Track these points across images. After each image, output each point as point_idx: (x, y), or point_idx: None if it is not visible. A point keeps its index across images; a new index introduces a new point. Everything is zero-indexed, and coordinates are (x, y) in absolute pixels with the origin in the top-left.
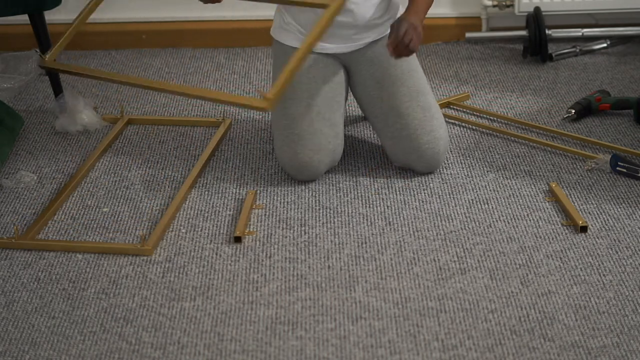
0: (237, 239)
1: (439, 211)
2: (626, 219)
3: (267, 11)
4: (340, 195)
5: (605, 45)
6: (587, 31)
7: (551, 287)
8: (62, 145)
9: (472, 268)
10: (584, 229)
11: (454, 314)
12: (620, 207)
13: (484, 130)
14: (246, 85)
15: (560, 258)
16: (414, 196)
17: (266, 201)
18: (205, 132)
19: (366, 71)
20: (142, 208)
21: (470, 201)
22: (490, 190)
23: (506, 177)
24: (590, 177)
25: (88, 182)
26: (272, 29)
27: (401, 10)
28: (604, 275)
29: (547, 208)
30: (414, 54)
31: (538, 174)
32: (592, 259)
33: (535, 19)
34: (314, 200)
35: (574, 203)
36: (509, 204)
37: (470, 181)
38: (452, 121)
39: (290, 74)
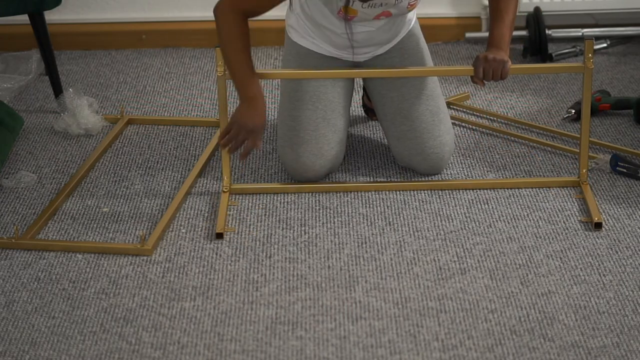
0: (219, 235)
1: (439, 211)
2: (626, 219)
3: (268, 12)
4: (340, 195)
5: (605, 45)
6: (587, 31)
7: (551, 287)
8: (62, 145)
9: (472, 268)
10: (598, 225)
11: (454, 314)
12: (620, 207)
13: (484, 130)
14: None
15: (560, 258)
16: (414, 196)
17: (266, 201)
18: (205, 132)
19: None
20: (142, 208)
21: (470, 201)
22: (490, 190)
23: (506, 177)
24: (590, 177)
25: (88, 182)
26: (287, 28)
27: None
28: (604, 275)
29: (547, 208)
30: (429, 55)
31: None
32: (592, 259)
33: (535, 19)
34: (314, 200)
35: (574, 203)
36: (509, 204)
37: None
38: (452, 121)
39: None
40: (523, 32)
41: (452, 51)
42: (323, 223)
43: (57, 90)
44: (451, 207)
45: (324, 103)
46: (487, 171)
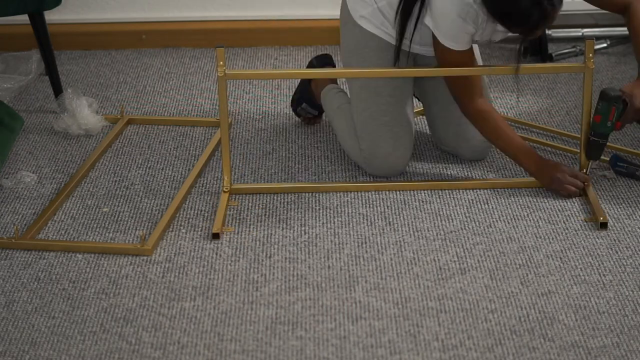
0: (215, 236)
1: (439, 211)
2: (626, 219)
3: (268, 11)
4: (340, 195)
5: (605, 45)
6: (587, 31)
7: (551, 287)
8: (62, 145)
9: (472, 268)
10: (603, 225)
11: (454, 314)
12: (620, 207)
13: None
14: (246, 85)
15: (560, 258)
16: (414, 196)
17: (266, 201)
18: (205, 132)
19: (432, 59)
20: (142, 208)
21: (470, 201)
22: (490, 190)
23: (506, 177)
24: (590, 177)
25: (88, 182)
26: (357, 17)
27: None
28: (604, 275)
29: (547, 208)
30: (479, 54)
31: None
32: (592, 259)
33: None
34: (314, 200)
35: (574, 202)
36: (509, 204)
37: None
38: None
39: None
40: None
41: (483, 51)
42: (323, 223)
43: (57, 90)
44: (451, 207)
45: (407, 97)
46: (487, 171)
